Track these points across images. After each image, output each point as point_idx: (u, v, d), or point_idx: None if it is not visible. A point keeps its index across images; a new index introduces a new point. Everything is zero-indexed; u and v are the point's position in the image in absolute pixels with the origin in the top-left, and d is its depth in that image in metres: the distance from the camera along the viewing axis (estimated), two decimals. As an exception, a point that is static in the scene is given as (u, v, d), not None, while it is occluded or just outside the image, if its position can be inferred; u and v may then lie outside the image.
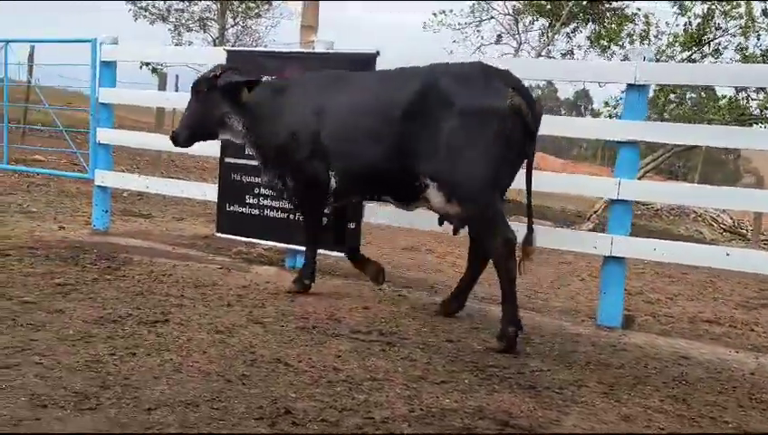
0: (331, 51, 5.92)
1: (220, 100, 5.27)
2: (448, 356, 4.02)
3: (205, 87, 5.32)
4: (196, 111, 5.41)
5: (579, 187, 5.73)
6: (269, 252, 6.90)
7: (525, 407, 3.33)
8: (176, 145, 5.55)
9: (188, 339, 3.87)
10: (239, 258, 6.56)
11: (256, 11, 28.14)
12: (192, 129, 5.46)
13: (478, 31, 19.87)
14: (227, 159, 6.26)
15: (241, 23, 28.57)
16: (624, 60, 14.72)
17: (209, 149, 6.05)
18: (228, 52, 6.19)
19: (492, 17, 19.70)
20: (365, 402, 3.18)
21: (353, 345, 4.05)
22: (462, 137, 4.44)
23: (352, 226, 5.83)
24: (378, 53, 5.59)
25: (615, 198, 5.07)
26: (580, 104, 75.65)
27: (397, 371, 3.67)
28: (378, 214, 5.85)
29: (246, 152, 6.04)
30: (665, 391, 3.77)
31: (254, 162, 5.95)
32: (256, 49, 6.08)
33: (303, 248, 5.94)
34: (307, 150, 5.01)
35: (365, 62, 5.61)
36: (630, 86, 5.05)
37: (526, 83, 4.62)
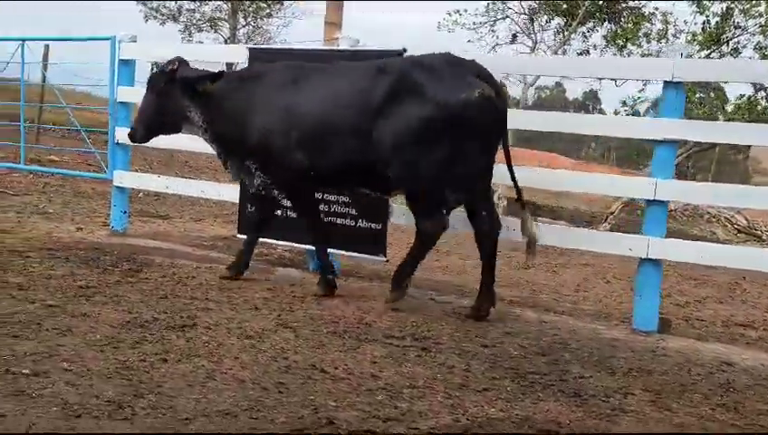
0: (355, 48, 5.79)
1: (179, 94, 5.27)
2: (486, 362, 3.89)
3: (162, 81, 5.30)
4: (153, 106, 5.41)
5: (614, 187, 5.59)
6: (290, 253, 6.78)
7: (573, 416, 3.19)
8: (133, 141, 5.64)
9: (218, 344, 3.75)
10: (260, 260, 6.43)
11: (267, 11, 28.08)
12: (150, 124, 5.48)
13: (493, 31, 19.74)
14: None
15: (252, 22, 28.50)
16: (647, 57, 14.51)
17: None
18: (250, 50, 6.07)
19: (507, 17, 19.59)
20: (408, 412, 3.05)
21: (388, 351, 3.92)
22: (432, 128, 4.58)
23: (378, 226, 5.71)
24: (404, 50, 5.45)
25: (651, 198, 4.92)
26: (588, 104, 75.31)
27: (436, 378, 3.54)
28: (405, 214, 5.71)
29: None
30: (714, 399, 3.62)
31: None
32: (279, 47, 5.93)
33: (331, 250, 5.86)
34: (277, 144, 5.00)
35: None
36: (667, 83, 4.90)
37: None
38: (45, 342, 3.53)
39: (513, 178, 4.95)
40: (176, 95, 5.29)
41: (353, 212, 5.76)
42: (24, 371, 3.09)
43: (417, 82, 4.66)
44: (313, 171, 5.01)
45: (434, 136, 4.60)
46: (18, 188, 9.90)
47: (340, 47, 5.88)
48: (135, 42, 6.95)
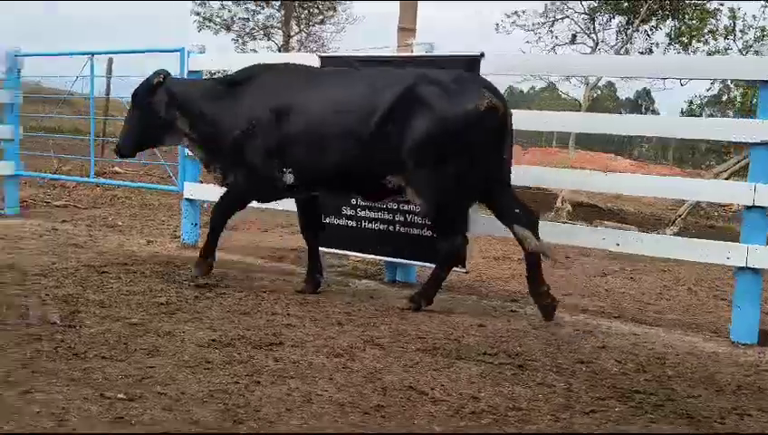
0: (431, 53, 5.64)
1: (165, 105, 5.32)
2: (586, 380, 3.70)
3: (150, 94, 5.34)
4: (141, 120, 5.44)
5: (706, 193, 5.35)
6: (363, 264, 6.66)
7: (692, 441, 3.00)
8: (120, 157, 5.68)
9: (309, 364, 3.63)
10: (334, 272, 6.32)
11: (320, 17, 28.12)
12: (137, 138, 5.52)
13: (551, 31, 19.40)
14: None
15: (305, 29, 28.56)
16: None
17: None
18: (322, 58, 5.96)
19: (566, 16, 19.23)
20: (520, 438, 2.89)
21: (482, 369, 3.76)
22: (441, 138, 4.67)
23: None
24: (482, 54, 5.30)
25: (750, 204, 4.68)
26: (641, 104, 73.92)
27: (538, 398, 3.37)
28: (485, 224, 5.56)
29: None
30: (837, 420, 3.39)
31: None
32: (351, 54, 5.82)
33: (405, 261, 5.73)
34: (263, 150, 5.07)
35: (468, 64, 5.33)
36: (764, 83, 4.66)
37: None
38: (135, 363, 3.45)
39: (509, 186, 5.03)
40: (164, 107, 5.34)
41: (426, 222, 5.61)
42: (119, 395, 3.02)
43: (425, 95, 4.75)
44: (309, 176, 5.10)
45: (447, 147, 4.69)
46: (86, 202, 9.99)
47: (414, 53, 5.74)
48: (203, 53, 6.91)
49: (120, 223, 8.42)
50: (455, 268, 5.55)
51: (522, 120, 5.16)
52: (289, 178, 5.09)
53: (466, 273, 5.73)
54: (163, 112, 5.35)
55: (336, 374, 3.50)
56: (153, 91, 5.35)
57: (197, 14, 28.06)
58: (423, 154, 4.72)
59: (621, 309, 5.83)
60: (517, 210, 4.92)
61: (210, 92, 5.35)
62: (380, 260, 6.17)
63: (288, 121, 5.01)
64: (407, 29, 7.09)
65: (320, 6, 28.25)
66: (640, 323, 5.30)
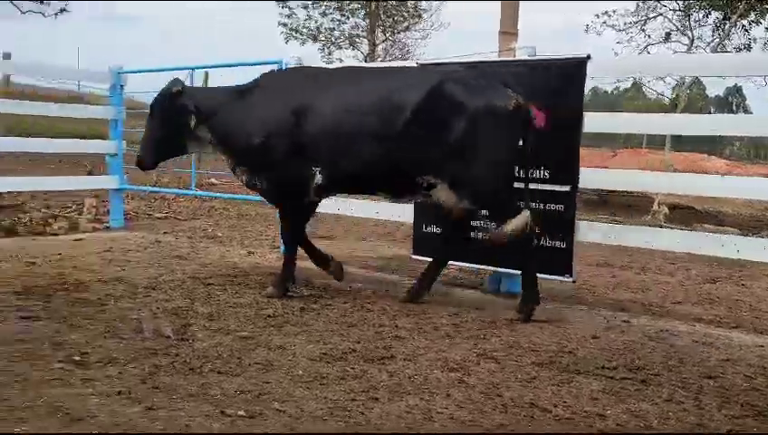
0: (534, 58, 5.50)
1: (186, 114, 5.32)
2: (717, 397, 3.50)
3: (168, 104, 5.34)
4: (160, 131, 5.43)
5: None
6: (464, 274, 6.54)
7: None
8: (142, 169, 5.67)
9: (424, 379, 3.55)
10: (435, 281, 6.21)
11: (405, 24, 28.15)
12: (159, 149, 5.53)
13: (643, 30, 18.87)
14: (424, 178, 5.95)
15: (390, 37, 28.64)
16: None
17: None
18: (420, 64, 5.89)
19: (660, 14, 18.68)
20: (656, 460, 2.74)
21: (604, 384, 3.60)
22: (473, 137, 4.75)
23: (563, 245, 5.39)
24: (588, 57, 5.13)
25: None
26: (731, 101, 71.34)
27: (668, 417, 3.20)
28: (594, 231, 5.38)
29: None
30: None
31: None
32: (451, 60, 5.72)
33: (510, 271, 5.60)
34: (290, 152, 5.09)
35: (575, 68, 5.18)
36: None
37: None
38: (251, 379, 3.44)
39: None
40: (183, 116, 5.34)
41: (536, 230, 5.46)
42: (239, 412, 2.99)
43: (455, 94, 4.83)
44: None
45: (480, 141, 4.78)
46: (186, 213, 10.19)
47: (517, 57, 5.61)
48: (301, 64, 6.93)
49: (219, 234, 8.53)
50: (560, 277, 5.41)
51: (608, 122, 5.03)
52: (319, 178, 5.13)
53: (573, 282, 5.56)
54: (184, 122, 5.36)
55: (453, 390, 3.40)
56: (172, 101, 5.38)
57: (284, 25, 28.51)
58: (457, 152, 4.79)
59: (739, 318, 5.55)
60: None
61: (232, 99, 5.39)
62: (482, 270, 6.03)
63: (315, 122, 5.05)
64: (508, 33, 6.95)
65: (405, 14, 28.29)
66: (762, 333, 5.04)
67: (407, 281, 6.15)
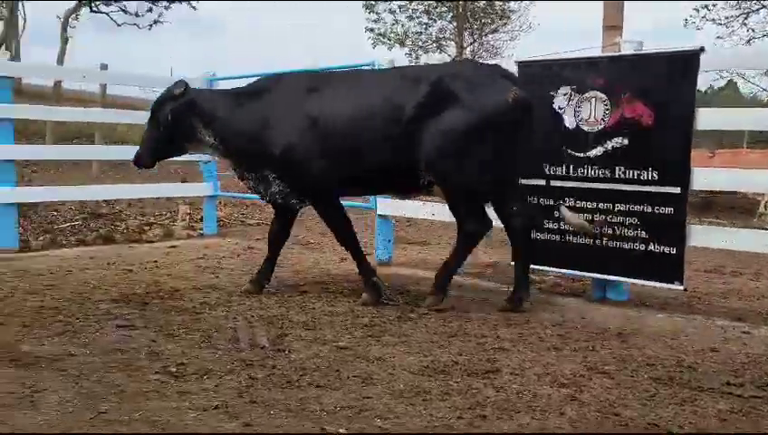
0: (641, 52, 5.19)
1: (189, 115, 5.31)
2: None
3: (171, 105, 5.33)
4: (161, 131, 5.40)
5: None
6: (563, 280, 6.25)
7: None
8: (139, 167, 5.64)
9: (534, 395, 3.32)
10: (534, 289, 5.96)
11: (493, 26, 27.81)
12: (158, 148, 5.52)
13: (745, 24, 18.04)
14: (524, 181, 5.68)
15: (477, 39, 28.35)
16: None
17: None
18: (519, 63, 5.66)
19: (763, 6, 17.80)
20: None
21: (731, 404, 3.30)
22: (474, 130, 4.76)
23: (672, 250, 5.07)
24: (702, 48, 4.81)
25: None
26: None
27: (811, 442, 2.89)
28: (705, 235, 5.05)
29: (548, 172, 5.50)
30: None
31: (556, 183, 5.45)
32: (553, 57, 5.47)
33: (615, 278, 5.32)
34: (301, 154, 5.08)
35: (687, 61, 4.86)
36: None
37: None
38: (351, 393, 3.28)
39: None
40: (186, 117, 5.33)
41: (643, 235, 5.16)
42: (340, 430, 2.84)
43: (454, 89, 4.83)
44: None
45: (476, 138, 4.77)
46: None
47: (622, 52, 5.31)
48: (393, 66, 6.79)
49: (311, 240, 8.47)
50: (669, 284, 5.11)
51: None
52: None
53: (684, 290, 5.23)
54: (186, 123, 5.35)
55: (566, 408, 3.16)
56: (175, 101, 5.34)
57: (371, 30, 28.56)
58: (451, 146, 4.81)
59: None
60: (515, 207, 5.10)
61: (237, 102, 5.37)
62: (587, 277, 5.74)
63: (322, 124, 5.07)
64: (613, 27, 6.64)
65: (492, 16, 27.94)
66: None
67: (505, 289, 5.92)
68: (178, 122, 5.36)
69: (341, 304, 5.06)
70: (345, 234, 5.38)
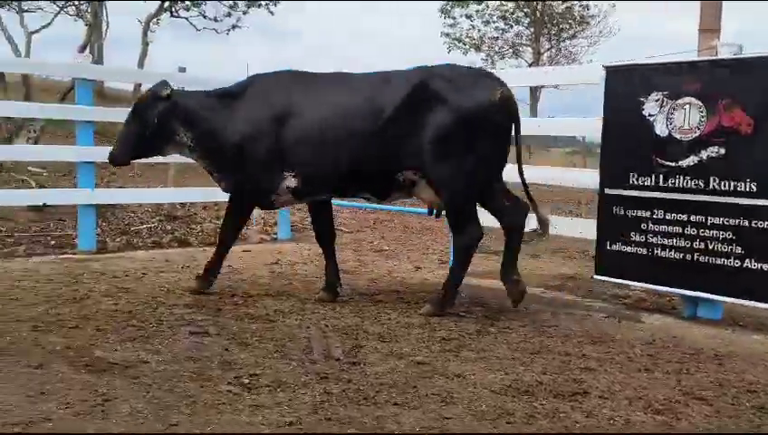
0: (741, 56, 4.89)
1: (169, 117, 5.28)
2: None
3: (155, 106, 5.29)
4: (142, 130, 5.33)
5: None
6: (652, 296, 5.95)
7: None
8: (114, 165, 5.69)
9: (626, 421, 3.10)
10: (619, 304, 5.69)
11: (571, 32, 27.31)
12: (134, 147, 5.44)
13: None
14: (608, 191, 5.45)
15: (555, 45, 27.89)
16: None
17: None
18: (607, 68, 5.41)
19: None
20: None
21: None
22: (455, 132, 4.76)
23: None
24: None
25: None
26: None
27: None
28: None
29: (632, 182, 5.24)
30: None
31: (643, 193, 5.18)
32: (643, 62, 5.21)
33: (709, 296, 5.02)
34: (269, 156, 5.12)
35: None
36: None
37: None
38: (430, 413, 3.11)
39: (523, 180, 5.19)
40: (168, 119, 5.29)
41: (738, 251, 4.85)
42: (420, 454, 2.67)
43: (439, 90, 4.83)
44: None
45: (462, 139, 4.77)
46: (350, 225, 10.08)
47: (721, 56, 5.02)
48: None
49: (385, 247, 8.33)
50: (766, 305, 4.80)
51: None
52: (291, 181, 5.16)
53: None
54: (165, 124, 5.30)
55: (663, 438, 2.94)
56: (157, 102, 5.31)
57: (447, 35, 28.38)
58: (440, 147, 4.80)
59: None
60: (507, 203, 5.16)
61: (214, 105, 5.35)
62: (676, 294, 5.43)
63: (293, 125, 5.09)
64: (709, 30, 6.32)
65: (570, 21, 27.44)
66: None
67: (588, 302, 5.67)
68: (159, 123, 5.33)
69: (417, 316, 4.89)
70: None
